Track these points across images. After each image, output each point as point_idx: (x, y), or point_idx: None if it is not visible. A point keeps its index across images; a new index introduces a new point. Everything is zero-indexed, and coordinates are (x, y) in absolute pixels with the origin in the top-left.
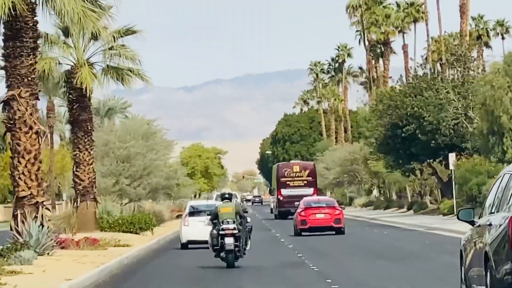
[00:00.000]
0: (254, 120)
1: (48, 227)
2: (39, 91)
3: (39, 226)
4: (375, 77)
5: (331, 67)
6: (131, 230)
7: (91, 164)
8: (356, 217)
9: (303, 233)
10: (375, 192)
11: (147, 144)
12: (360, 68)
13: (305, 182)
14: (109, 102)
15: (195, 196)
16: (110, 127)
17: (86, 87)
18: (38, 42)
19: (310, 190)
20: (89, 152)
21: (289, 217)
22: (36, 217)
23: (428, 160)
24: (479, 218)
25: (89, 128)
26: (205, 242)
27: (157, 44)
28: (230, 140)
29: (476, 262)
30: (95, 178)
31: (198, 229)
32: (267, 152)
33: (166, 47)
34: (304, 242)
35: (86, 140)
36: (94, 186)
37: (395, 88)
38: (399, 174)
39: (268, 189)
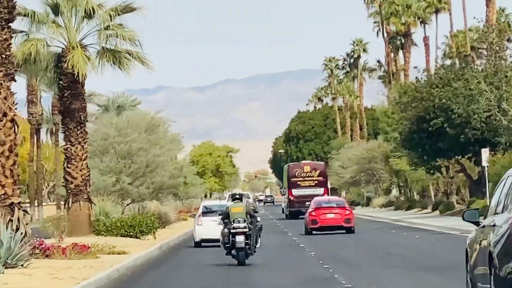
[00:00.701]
0: (265, 120)
1: (25, 233)
2: (16, 70)
3: (11, 232)
4: (394, 70)
5: (346, 62)
6: (131, 233)
7: (85, 159)
8: (377, 218)
9: (313, 232)
10: (394, 191)
11: (150, 138)
12: (378, 61)
13: (316, 182)
14: (118, 99)
15: (205, 196)
16: (110, 119)
17: (78, 72)
18: (14, 13)
19: (321, 190)
20: (82, 146)
21: (300, 216)
22: (11, 220)
23: (456, 157)
24: (484, 218)
25: (82, 118)
26: (218, 240)
27: (168, 45)
28: (241, 140)
29: (481, 261)
30: (89, 175)
31: (211, 228)
32: (280, 150)
33: (178, 47)
34: (327, 248)
35: (78, 132)
36: (88, 184)
37: (420, 79)
38: (422, 172)
39: (280, 189)
